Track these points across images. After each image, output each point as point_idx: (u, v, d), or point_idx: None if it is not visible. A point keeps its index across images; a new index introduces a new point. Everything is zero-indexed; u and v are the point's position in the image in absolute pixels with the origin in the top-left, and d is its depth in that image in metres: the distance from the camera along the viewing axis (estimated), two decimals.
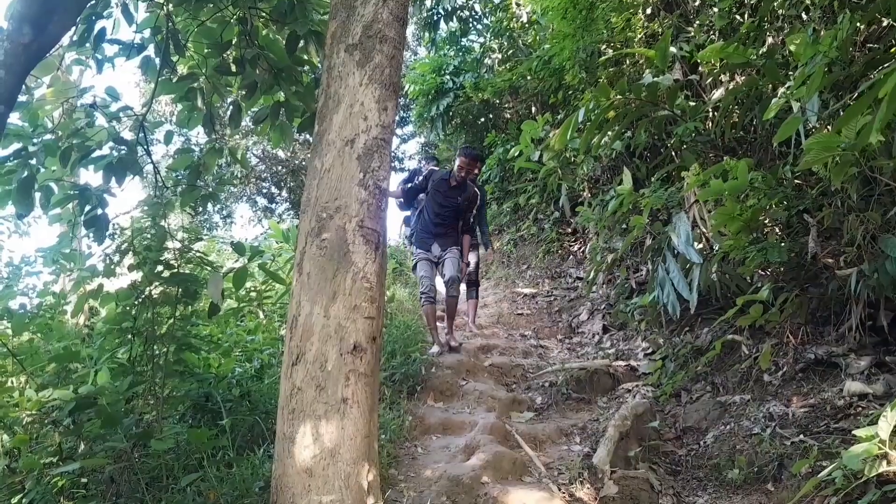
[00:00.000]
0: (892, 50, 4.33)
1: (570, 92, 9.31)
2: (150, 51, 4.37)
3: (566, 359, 6.47)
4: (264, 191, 20.96)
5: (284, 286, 5.37)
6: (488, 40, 13.03)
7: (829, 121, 4.38)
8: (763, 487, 3.38)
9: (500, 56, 12.81)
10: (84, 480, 3.50)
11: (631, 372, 5.73)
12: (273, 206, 21.16)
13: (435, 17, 12.81)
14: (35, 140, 3.85)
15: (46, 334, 5.30)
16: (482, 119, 13.26)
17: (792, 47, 4.16)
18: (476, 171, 7.33)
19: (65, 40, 3.93)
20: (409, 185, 7.10)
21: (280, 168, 20.29)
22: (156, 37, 4.26)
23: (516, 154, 9.49)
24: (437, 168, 6.93)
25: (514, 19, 11.64)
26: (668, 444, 4.25)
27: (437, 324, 6.38)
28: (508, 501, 3.45)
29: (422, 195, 6.78)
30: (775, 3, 5.25)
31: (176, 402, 4.15)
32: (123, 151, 4.01)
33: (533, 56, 10.66)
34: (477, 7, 13.15)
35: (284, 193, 20.66)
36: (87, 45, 4.13)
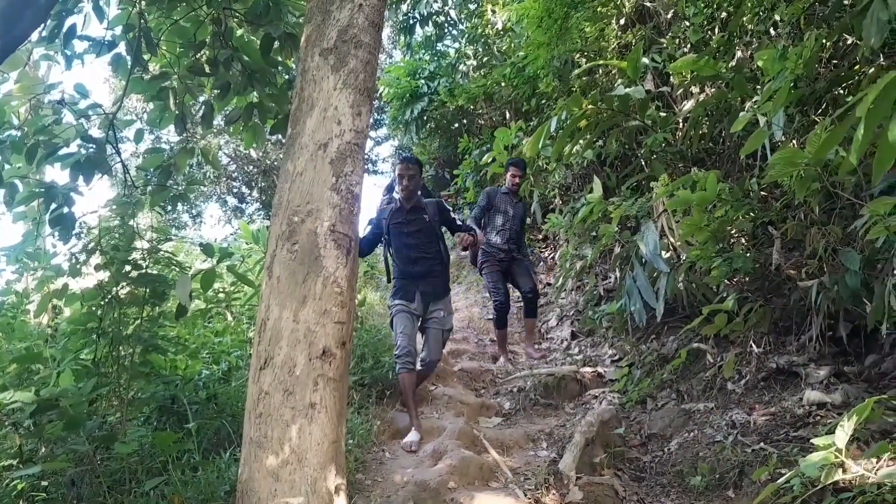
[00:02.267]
0: (856, 67, 4.45)
1: (543, 100, 9.40)
2: (122, 48, 4.33)
3: (535, 364, 6.52)
4: (235, 191, 20.78)
5: (253, 288, 5.33)
6: (463, 46, 13.09)
7: (794, 135, 4.49)
8: (724, 494, 3.44)
9: (474, 62, 12.87)
10: (44, 484, 3.43)
11: (598, 378, 5.79)
12: (243, 206, 21.00)
13: (411, 22, 12.82)
14: (0, 136, 3.78)
15: (8, 334, 5.19)
16: (456, 124, 13.31)
17: (760, 62, 4.26)
18: (517, 179, 6.61)
19: (34, 35, 3.87)
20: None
21: (251, 168, 20.14)
22: (127, 34, 4.21)
23: (490, 160, 9.54)
24: (387, 202, 5.29)
25: (490, 26, 11.71)
26: (633, 450, 4.30)
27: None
28: None
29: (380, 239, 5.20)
30: (745, 19, 5.36)
31: (141, 405, 4.10)
32: (92, 149, 3.96)
33: (507, 63, 10.73)
34: (452, 13, 13.20)
35: (255, 194, 20.50)
36: (57, 41, 4.07)
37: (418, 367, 4.85)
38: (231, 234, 17.53)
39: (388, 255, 5.17)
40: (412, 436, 4.52)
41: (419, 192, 5.09)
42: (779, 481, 2.74)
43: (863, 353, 4.06)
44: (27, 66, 4.11)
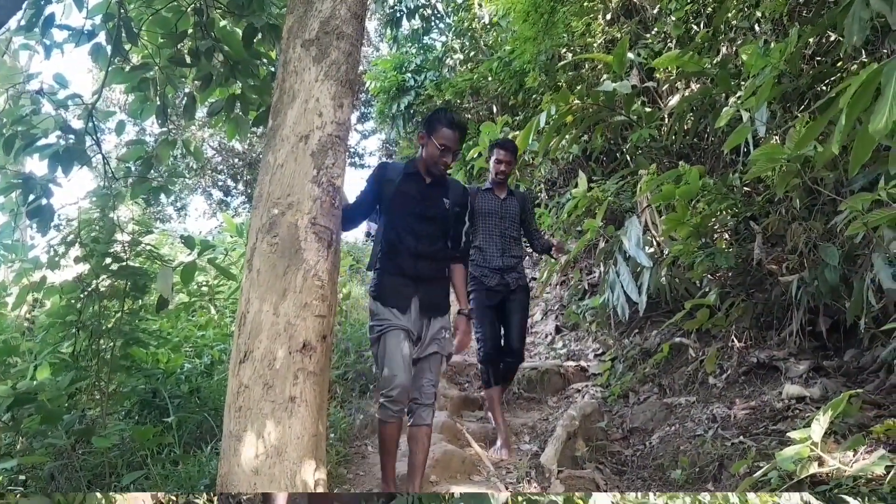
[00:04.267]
0: (839, 63, 4.48)
1: (530, 94, 9.39)
2: (102, 38, 4.27)
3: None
4: (220, 183, 20.63)
5: (235, 281, 5.30)
6: (450, 40, 13.06)
7: (776, 130, 4.51)
8: (704, 487, 3.46)
9: (461, 56, 12.84)
10: (22, 478, 3.41)
11: (581, 372, 5.81)
12: (228, 199, 20.85)
13: (397, 15, 12.77)
14: None
15: None
16: None
17: (744, 57, 4.27)
18: (503, 166, 4.60)
19: (12, 24, 3.81)
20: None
21: (236, 160, 19.99)
22: (107, 24, 4.16)
23: (476, 155, 9.52)
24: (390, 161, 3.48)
25: (476, 20, 11.68)
26: (614, 444, 4.32)
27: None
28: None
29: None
30: (729, 15, 5.38)
31: (122, 398, 4.07)
32: (71, 140, 3.91)
33: (494, 57, 10.71)
34: (439, 6, 13.17)
35: (240, 186, 20.36)
36: (36, 29, 4.01)
37: (409, 417, 3.38)
38: (216, 228, 17.43)
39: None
40: None
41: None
42: (756, 474, 2.76)
43: (842, 348, 4.09)
44: (6, 56, 4.05)
